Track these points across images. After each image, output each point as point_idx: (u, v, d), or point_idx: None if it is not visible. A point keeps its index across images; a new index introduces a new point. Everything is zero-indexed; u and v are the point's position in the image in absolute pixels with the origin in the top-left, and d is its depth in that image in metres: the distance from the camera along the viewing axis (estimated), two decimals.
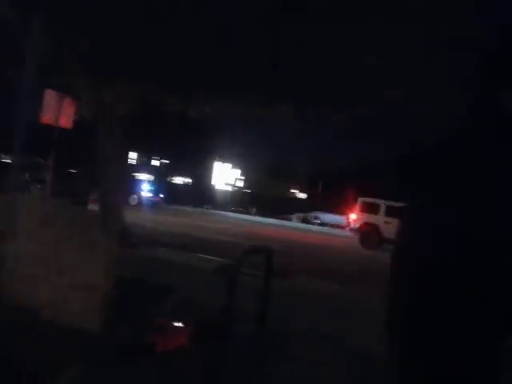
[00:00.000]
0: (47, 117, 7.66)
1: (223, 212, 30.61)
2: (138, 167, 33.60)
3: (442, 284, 1.21)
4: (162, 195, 27.94)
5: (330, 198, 36.04)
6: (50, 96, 7.37)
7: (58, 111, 7.50)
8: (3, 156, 12.26)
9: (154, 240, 9.27)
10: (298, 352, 3.88)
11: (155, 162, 39.00)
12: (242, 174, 47.16)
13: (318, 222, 34.20)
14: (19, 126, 4.00)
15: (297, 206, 37.83)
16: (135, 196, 25.47)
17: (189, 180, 37.08)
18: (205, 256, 8.22)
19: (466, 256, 1.19)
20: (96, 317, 3.89)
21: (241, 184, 46.52)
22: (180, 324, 3.54)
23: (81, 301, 4.02)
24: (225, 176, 44.91)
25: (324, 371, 3.58)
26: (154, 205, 25.74)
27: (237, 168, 46.12)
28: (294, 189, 49.50)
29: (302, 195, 48.64)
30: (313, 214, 34.87)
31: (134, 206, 23.47)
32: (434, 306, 1.22)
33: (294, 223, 32.32)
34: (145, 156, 35.84)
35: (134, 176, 28.27)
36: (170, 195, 26.28)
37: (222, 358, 3.27)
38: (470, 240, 1.18)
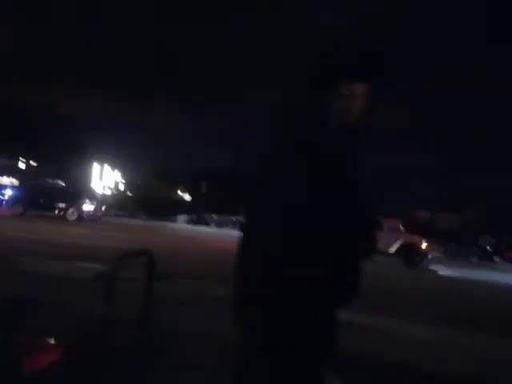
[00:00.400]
0: None
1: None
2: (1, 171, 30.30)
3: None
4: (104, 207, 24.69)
5: (215, 199, 36.45)
6: None
7: None
8: None
9: (24, 250, 8.45)
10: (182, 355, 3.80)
11: (22, 165, 35.54)
12: (123, 177, 45.32)
13: (214, 222, 34.59)
14: None
15: (184, 208, 37.53)
16: (73, 210, 21.86)
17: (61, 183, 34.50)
18: (83, 264, 7.70)
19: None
20: None
21: (122, 187, 44.68)
22: (49, 339, 3.23)
23: None
24: (105, 179, 42.71)
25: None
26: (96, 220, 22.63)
27: (118, 170, 44.21)
28: (180, 191, 48.98)
29: (188, 197, 48.39)
30: (210, 215, 35.13)
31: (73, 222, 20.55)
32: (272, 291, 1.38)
33: (181, 225, 32.01)
34: (9, 158, 32.45)
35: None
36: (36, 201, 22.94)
37: (98, 368, 3.06)
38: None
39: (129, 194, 42.97)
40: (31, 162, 34.31)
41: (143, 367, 3.43)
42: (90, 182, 38.80)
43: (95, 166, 41.70)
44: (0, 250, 7.54)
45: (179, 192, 50.19)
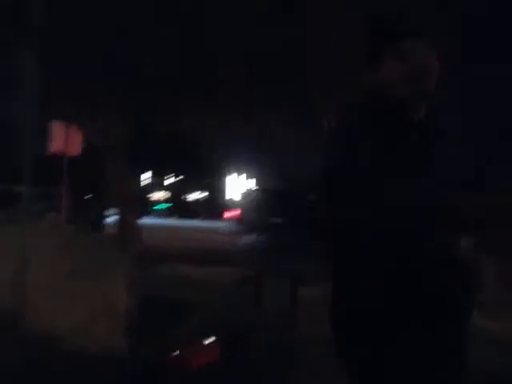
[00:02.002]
0: (55, 146, 7.75)
1: None
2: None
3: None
4: None
5: None
6: (56, 126, 7.46)
7: (66, 140, 7.58)
8: (15, 187, 12.40)
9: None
10: None
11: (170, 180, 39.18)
12: (256, 184, 47.04)
13: None
14: (26, 157, 3.97)
15: None
16: None
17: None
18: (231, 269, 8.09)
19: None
20: (120, 341, 3.81)
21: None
22: (207, 339, 3.44)
23: (102, 326, 3.95)
24: (240, 187, 44.88)
25: None
26: None
27: (251, 178, 46.00)
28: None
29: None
30: None
31: None
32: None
33: None
34: (159, 175, 36.06)
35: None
36: None
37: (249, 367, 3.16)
38: None
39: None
40: (178, 177, 37.65)
41: (284, 369, 3.44)
42: (228, 192, 41.20)
43: (233, 177, 44.01)
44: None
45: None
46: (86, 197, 18.48)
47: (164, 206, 33.67)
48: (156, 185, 35.19)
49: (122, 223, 7.19)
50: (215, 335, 3.63)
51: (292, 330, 3.81)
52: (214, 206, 24.00)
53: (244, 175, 46.47)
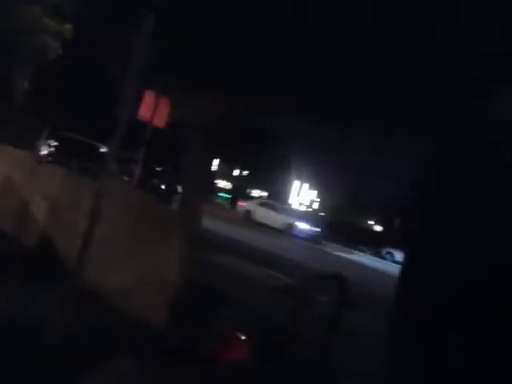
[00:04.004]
0: (144, 114, 8.02)
1: None
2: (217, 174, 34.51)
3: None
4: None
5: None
6: (149, 95, 7.72)
7: (154, 110, 7.84)
8: (101, 146, 13.13)
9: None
10: None
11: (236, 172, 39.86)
12: (317, 196, 46.61)
13: (391, 258, 32.84)
14: (120, 123, 4.16)
15: (372, 239, 36.36)
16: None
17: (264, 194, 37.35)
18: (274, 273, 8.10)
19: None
20: (162, 313, 3.92)
21: (315, 206, 45.95)
22: (242, 336, 3.45)
23: (150, 294, 4.08)
24: (301, 195, 44.66)
25: None
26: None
27: (314, 189, 45.69)
28: (371, 220, 47.92)
29: (378, 228, 46.90)
30: (385, 250, 33.50)
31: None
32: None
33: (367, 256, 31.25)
34: (228, 166, 36.78)
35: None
36: None
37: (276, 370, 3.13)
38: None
39: (321, 214, 43.86)
40: (244, 171, 38.23)
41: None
42: (289, 196, 41.12)
43: (295, 183, 43.83)
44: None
45: (370, 222, 49.09)
46: (158, 168, 19.23)
47: (227, 195, 34.28)
48: (221, 173, 35.90)
49: (185, 201, 7.38)
50: (249, 334, 3.64)
51: (325, 354, 3.72)
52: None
53: (307, 185, 46.26)
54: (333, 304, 3.69)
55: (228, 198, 33.45)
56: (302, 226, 22.68)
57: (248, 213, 23.77)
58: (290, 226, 22.42)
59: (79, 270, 3.25)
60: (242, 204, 25.71)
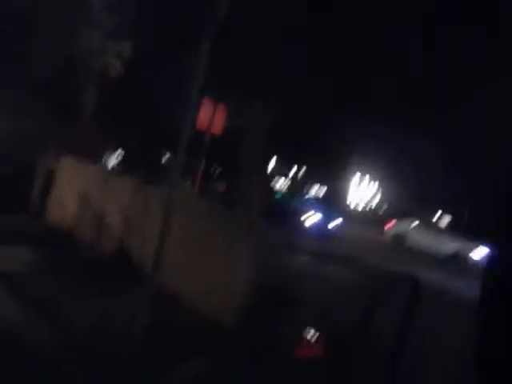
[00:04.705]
0: (202, 123, 8.23)
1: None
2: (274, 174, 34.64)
3: None
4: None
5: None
6: (207, 103, 7.94)
7: (212, 118, 8.04)
8: (163, 156, 13.72)
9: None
10: None
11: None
12: (378, 194, 45.37)
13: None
14: (186, 132, 4.34)
15: None
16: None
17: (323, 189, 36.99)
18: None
19: None
20: (231, 314, 4.08)
21: (374, 204, 44.79)
22: (317, 334, 3.54)
23: (220, 296, 4.26)
24: (361, 192, 43.77)
25: None
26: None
27: (375, 186, 44.55)
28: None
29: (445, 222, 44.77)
30: None
31: None
32: None
33: None
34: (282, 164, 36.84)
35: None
36: None
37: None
38: None
39: (380, 212, 42.72)
40: (302, 167, 38.13)
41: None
42: (348, 192, 40.44)
43: (356, 178, 43.05)
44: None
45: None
46: (215, 174, 19.70)
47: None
48: (278, 173, 35.99)
49: (248, 204, 7.57)
50: (321, 333, 3.70)
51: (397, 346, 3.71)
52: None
53: (367, 180, 45.25)
54: (405, 304, 3.67)
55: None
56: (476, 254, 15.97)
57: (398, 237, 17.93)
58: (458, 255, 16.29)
59: (154, 274, 3.47)
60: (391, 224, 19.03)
